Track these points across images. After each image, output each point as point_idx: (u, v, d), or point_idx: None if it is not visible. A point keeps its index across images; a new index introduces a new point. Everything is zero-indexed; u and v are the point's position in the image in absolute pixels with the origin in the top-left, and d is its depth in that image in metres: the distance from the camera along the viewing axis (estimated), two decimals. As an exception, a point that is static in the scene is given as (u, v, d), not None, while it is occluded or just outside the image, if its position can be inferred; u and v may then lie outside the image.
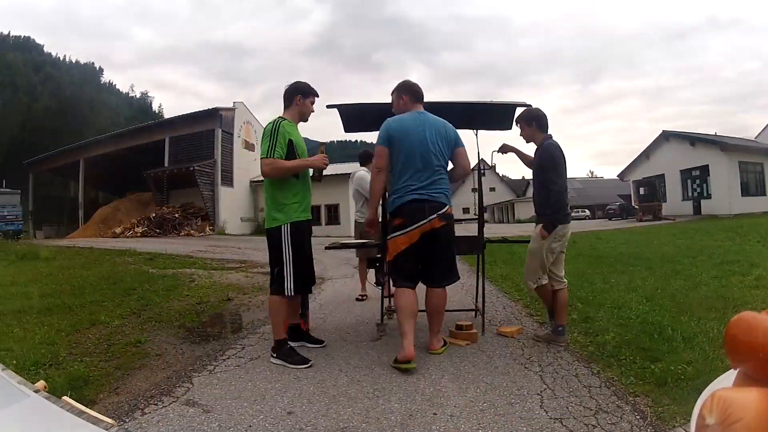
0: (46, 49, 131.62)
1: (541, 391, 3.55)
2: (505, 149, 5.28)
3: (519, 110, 5.30)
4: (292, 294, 4.57)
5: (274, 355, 4.49)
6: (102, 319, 6.45)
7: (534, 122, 4.98)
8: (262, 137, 4.59)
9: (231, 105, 35.16)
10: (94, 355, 4.97)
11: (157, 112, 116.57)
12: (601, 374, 3.86)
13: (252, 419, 3.27)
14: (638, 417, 3.09)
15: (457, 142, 4.77)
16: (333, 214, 36.82)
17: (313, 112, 4.92)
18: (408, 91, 4.86)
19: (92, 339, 5.58)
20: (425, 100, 4.92)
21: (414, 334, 4.36)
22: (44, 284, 9.54)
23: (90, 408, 1.23)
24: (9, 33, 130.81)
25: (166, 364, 4.67)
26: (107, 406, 3.50)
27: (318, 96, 4.94)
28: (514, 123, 5.23)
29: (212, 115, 32.84)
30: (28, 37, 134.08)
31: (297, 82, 4.87)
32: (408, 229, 4.48)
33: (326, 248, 6.24)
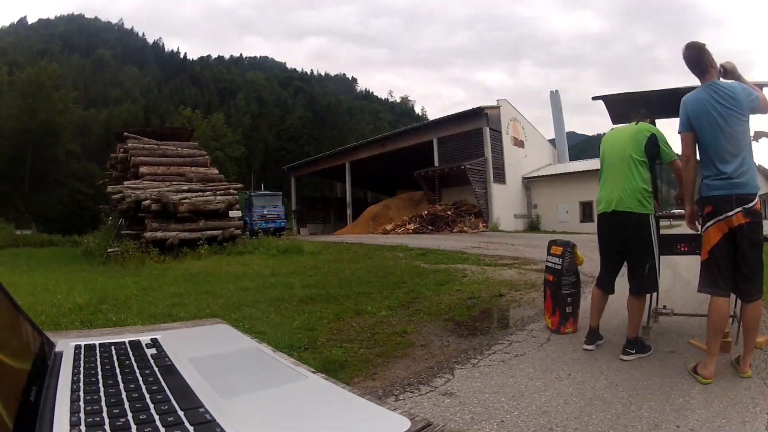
0: (288, 66, 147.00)
1: (771, 410, 3.31)
2: (758, 136, 4.85)
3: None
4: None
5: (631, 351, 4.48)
6: (368, 309, 6.92)
7: None
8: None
9: (495, 103, 35.45)
10: (356, 342, 5.36)
11: (420, 114, 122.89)
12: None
13: (506, 414, 3.31)
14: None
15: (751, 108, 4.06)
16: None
17: None
18: (689, 65, 4.24)
19: (356, 327, 6.02)
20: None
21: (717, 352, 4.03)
22: (307, 276, 10.52)
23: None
24: (241, 55, 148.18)
25: (429, 354, 4.87)
26: (360, 390, 3.73)
27: None
28: None
29: (478, 114, 33.28)
30: (266, 57, 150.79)
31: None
32: (714, 220, 3.99)
33: None
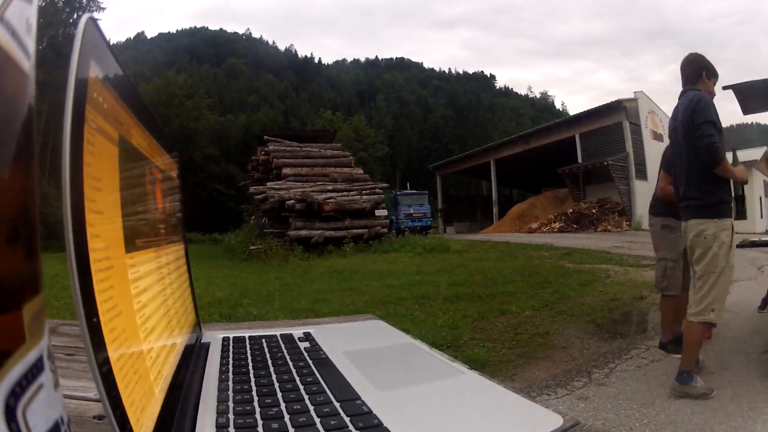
0: (426, 65, 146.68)
1: None
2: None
3: None
4: None
5: None
6: (512, 309, 7.01)
7: None
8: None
9: (632, 96, 34.01)
10: (498, 342, 5.51)
11: (561, 109, 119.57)
12: None
13: (635, 422, 3.37)
14: None
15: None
16: (739, 207, 32.91)
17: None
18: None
19: (499, 327, 6.15)
20: None
21: None
22: (453, 274, 10.65)
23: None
24: (377, 57, 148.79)
25: (569, 357, 4.96)
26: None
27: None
28: None
29: (616, 107, 32.09)
30: (402, 58, 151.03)
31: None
32: None
33: (736, 246, 5.95)
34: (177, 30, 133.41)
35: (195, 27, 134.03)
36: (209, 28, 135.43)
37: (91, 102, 0.46)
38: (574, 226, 29.32)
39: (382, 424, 0.64)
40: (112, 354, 0.44)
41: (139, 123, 0.69)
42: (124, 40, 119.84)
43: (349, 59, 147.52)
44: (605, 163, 30.18)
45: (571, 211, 31.20)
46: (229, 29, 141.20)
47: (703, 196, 3.78)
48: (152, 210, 0.76)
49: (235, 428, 0.63)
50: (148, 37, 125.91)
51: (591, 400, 3.78)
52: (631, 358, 4.81)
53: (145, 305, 0.62)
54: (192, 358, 0.89)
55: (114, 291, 0.48)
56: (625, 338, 5.65)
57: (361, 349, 1.06)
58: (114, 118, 0.55)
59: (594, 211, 30.53)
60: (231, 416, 0.66)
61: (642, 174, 31.93)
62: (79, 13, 37.59)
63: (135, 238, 0.61)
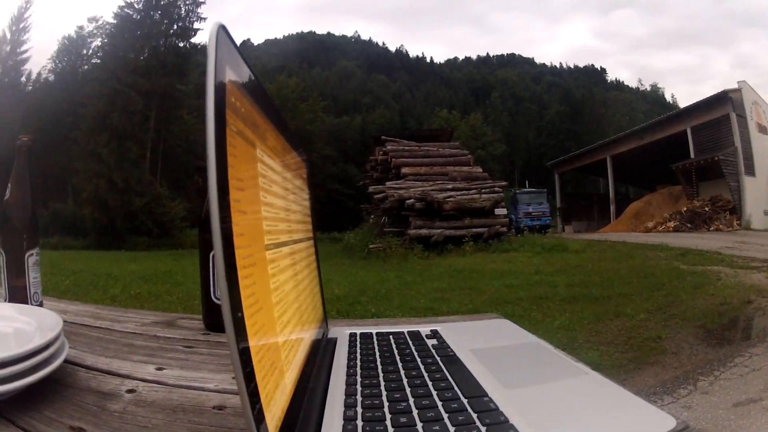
0: (537, 61, 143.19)
1: None
2: None
3: None
4: None
5: None
6: (627, 311, 6.77)
7: None
8: None
9: (735, 86, 31.72)
10: (611, 345, 5.34)
11: (671, 102, 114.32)
12: None
13: None
14: None
15: None
16: None
17: None
18: None
19: (613, 330, 5.96)
20: None
21: None
22: (571, 275, 10.34)
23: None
24: (488, 54, 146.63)
25: (678, 363, 4.75)
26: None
27: None
28: None
29: (722, 99, 30.14)
30: (513, 54, 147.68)
31: None
32: None
33: None
34: (284, 36, 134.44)
35: (302, 32, 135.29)
36: (317, 32, 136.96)
37: (230, 106, 0.48)
38: (688, 225, 28.12)
39: (508, 420, 0.64)
40: (253, 347, 0.46)
41: (272, 125, 0.71)
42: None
43: (461, 57, 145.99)
44: (716, 159, 28.69)
45: (685, 209, 29.93)
46: (337, 32, 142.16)
47: None
48: (287, 208, 0.78)
49: (363, 421, 0.64)
50: (255, 44, 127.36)
51: (694, 409, 3.68)
52: (734, 366, 4.57)
53: (281, 300, 0.64)
54: (319, 352, 0.91)
55: (256, 287, 0.50)
56: (731, 344, 5.40)
57: (489, 347, 1.05)
58: (250, 121, 0.57)
59: (707, 209, 29.16)
60: (359, 409, 0.67)
61: (750, 170, 30.00)
62: (179, 24, 39.23)
63: (273, 236, 0.64)
